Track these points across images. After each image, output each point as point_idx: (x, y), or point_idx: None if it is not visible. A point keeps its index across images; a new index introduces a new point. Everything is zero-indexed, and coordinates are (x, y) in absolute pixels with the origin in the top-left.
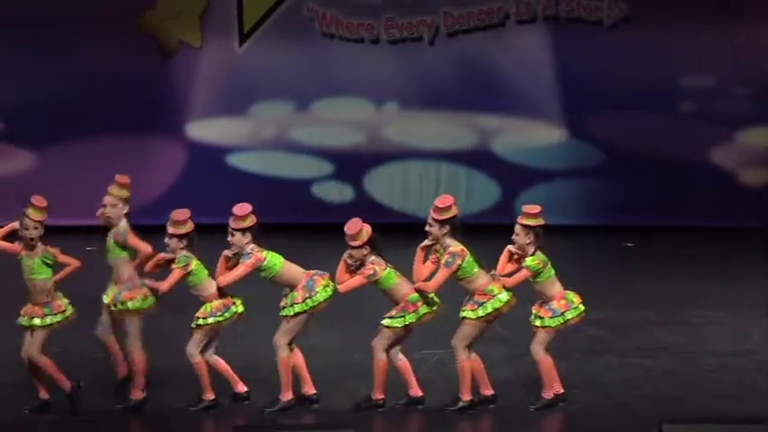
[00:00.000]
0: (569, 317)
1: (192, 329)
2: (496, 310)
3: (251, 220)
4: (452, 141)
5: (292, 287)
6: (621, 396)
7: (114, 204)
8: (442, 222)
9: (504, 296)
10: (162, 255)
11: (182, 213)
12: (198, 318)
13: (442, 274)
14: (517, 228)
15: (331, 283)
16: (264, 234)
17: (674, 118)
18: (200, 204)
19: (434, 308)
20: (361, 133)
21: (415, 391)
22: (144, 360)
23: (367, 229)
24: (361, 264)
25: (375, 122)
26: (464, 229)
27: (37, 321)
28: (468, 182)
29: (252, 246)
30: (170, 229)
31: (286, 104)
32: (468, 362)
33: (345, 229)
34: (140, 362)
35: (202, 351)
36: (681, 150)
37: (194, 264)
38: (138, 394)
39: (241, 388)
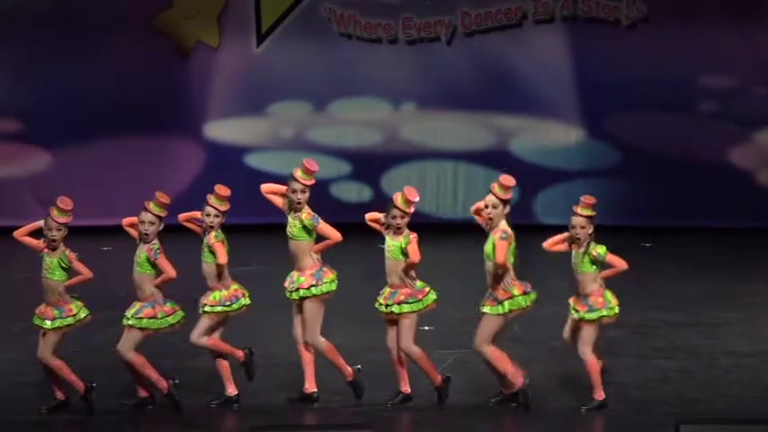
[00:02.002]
0: (604, 313)
1: (200, 315)
2: (512, 311)
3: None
4: (470, 141)
5: (300, 268)
6: (639, 396)
7: (153, 222)
8: (505, 202)
9: (522, 299)
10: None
11: (224, 189)
12: (205, 305)
13: (501, 246)
14: (581, 220)
15: (336, 280)
16: (282, 234)
17: (692, 118)
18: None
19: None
20: (378, 133)
21: (406, 387)
22: (143, 360)
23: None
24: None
25: (393, 123)
26: (481, 229)
27: (47, 323)
28: (485, 182)
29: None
30: (217, 206)
31: (304, 104)
32: (499, 352)
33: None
34: (139, 362)
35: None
36: (699, 150)
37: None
38: (143, 393)
39: (232, 390)
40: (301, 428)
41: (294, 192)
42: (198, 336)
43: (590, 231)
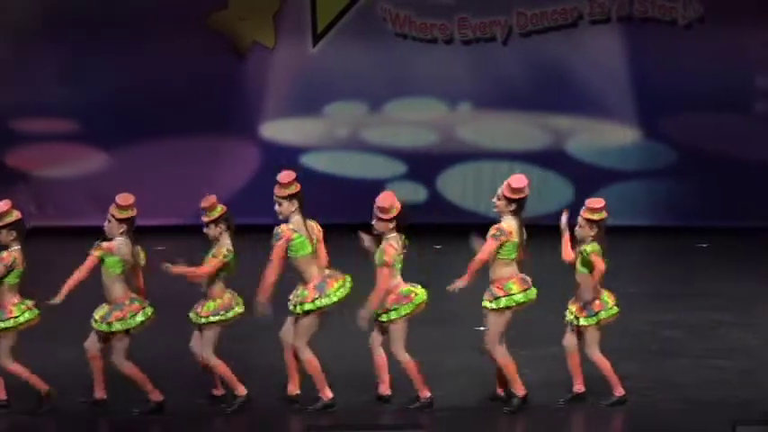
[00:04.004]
0: (602, 317)
1: (202, 328)
2: (509, 308)
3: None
4: (525, 142)
5: (305, 282)
6: (695, 397)
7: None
8: (509, 200)
9: (520, 297)
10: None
11: (209, 199)
12: (201, 317)
13: (489, 245)
14: (580, 220)
15: (347, 284)
16: (338, 234)
17: (747, 118)
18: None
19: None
20: (434, 133)
21: (385, 389)
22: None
23: (397, 206)
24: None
25: (448, 123)
26: (537, 229)
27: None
28: (541, 182)
29: (284, 226)
30: (204, 218)
31: (359, 105)
32: (508, 357)
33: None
34: (134, 372)
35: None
36: (754, 151)
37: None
38: (156, 396)
39: (218, 392)
40: (356, 428)
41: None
42: (209, 350)
43: (592, 233)
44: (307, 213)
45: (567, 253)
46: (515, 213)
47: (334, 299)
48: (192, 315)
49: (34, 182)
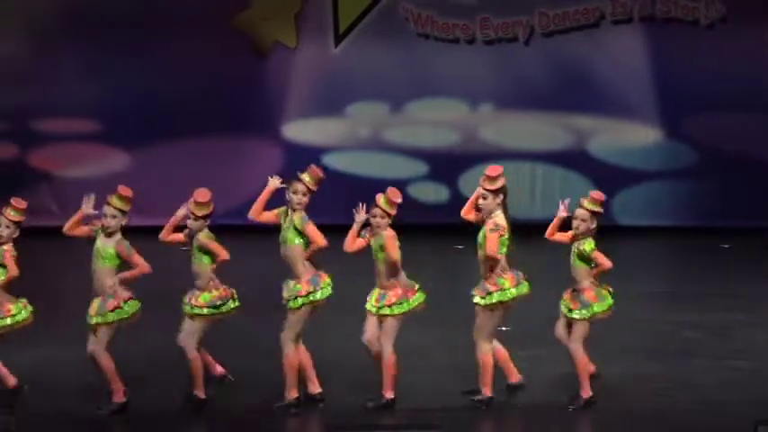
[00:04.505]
0: (597, 310)
1: (189, 318)
2: (502, 302)
3: None
4: (547, 142)
5: (297, 276)
6: (717, 397)
7: (114, 216)
8: (495, 192)
9: (513, 291)
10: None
11: (204, 194)
12: (194, 306)
13: (492, 238)
14: (584, 213)
15: (332, 284)
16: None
17: None
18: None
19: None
20: (455, 134)
21: (387, 392)
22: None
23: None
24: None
25: (470, 123)
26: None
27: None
28: (563, 182)
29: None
30: (196, 212)
31: (381, 105)
32: (490, 356)
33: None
34: (110, 366)
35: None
36: None
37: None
38: (119, 398)
39: (201, 394)
40: (373, 428)
41: (296, 192)
42: (190, 340)
43: (592, 227)
44: (333, 211)
45: (553, 231)
46: (504, 206)
47: (327, 293)
48: (185, 306)
49: (56, 181)
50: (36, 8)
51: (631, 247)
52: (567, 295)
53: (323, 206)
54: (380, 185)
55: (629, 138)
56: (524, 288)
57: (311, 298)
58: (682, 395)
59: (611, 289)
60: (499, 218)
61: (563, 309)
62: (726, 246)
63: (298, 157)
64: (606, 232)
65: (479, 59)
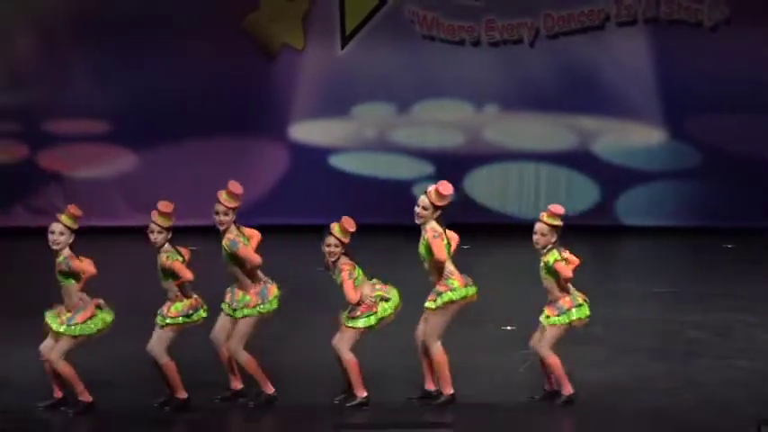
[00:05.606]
0: (574, 316)
1: (161, 327)
2: (453, 301)
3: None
4: (552, 143)
5: (243, 288)
6: (721, 397)
7: (63, 233)
8: (436, 207)
9: (461, 291)
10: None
11: (167, 206)
12: (166, 316)
13: (437, 244)
14: (543, 227)
15: (279, 295)
16: (364, 235)
17: None
18: (303, 205)
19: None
20: (461, 135)
21: (361, 392)
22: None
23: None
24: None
25: (475, 124)
26: (564, 230)
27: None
28: (567, 183)
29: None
30: (161, 223)
31: (387, 106)
32: (444, 354)
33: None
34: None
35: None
36: None
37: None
38: (86, 397)
39: (182, 394)
40: (383, 427)
41: (216, 213)
42: (161, 348)
43: (552, 240)
44: (339, 212)
45: None
46: (439, 220)
47: (275, 306)
48: (158, 318)
49: (66, 182)
50: (45, 11)
51: (635, 246)
52: (545, 308)
53: (329, 206)
54: (386, 186)
55: (634, 138)
56: (472, 290)
57: (260, 310)
58: (685, 394)
59: (586, 298)
60: (434, 224)
61: (541, 320)
62: (729, 246)
63: (304, 158)
64: (610, 232)
65: (485, 61)
